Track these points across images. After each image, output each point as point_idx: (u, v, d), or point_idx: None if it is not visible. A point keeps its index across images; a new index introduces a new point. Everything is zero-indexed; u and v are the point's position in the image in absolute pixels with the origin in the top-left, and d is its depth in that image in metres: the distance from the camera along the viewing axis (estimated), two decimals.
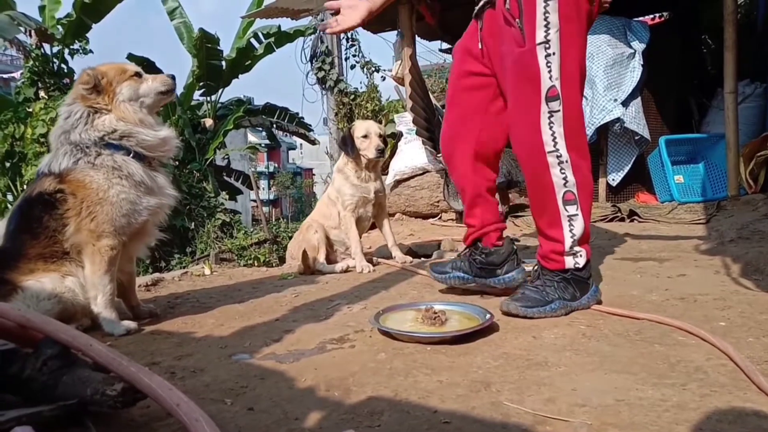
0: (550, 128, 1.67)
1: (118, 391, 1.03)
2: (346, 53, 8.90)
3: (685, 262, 2.53)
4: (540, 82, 1.65)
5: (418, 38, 5.39)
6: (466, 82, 1.98)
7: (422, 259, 3.28)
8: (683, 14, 5.76)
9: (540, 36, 1.63)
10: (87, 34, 9.14)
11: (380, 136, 2.99)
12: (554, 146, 1.68)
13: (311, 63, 8.81)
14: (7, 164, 8.35)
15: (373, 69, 8.43)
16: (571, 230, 1.74)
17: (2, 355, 1.11)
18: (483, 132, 1.98)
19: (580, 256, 1.78)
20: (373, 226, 3.62)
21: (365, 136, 2.98)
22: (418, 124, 4.46)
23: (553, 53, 1.64)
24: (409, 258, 3.08)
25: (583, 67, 1.74)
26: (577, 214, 1.73)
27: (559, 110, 1.66)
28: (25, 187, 8.06)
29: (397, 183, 4.90)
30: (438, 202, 4.70)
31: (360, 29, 8.34)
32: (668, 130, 4.82)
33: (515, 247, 2.10)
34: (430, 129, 4.42)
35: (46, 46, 9.00)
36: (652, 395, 1.15)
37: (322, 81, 8.72)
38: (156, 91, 1.94)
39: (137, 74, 1.93)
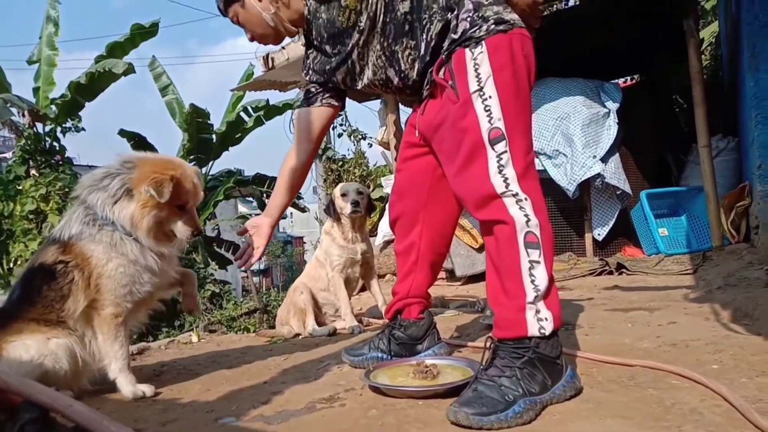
0: (500, 172, 1.46)
1: None
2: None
3: (675, 310, 2.53)
4: (479, 128, 1.49)
5: (400, 106, 5.59)
6: (411, 152, 1.90)
7: None
8: (653, 76, 6.07)
9: (473, 86, 1.51)
10: (79, 113, 9.37)
11: (359, 193, 3.03)
12: (506, 187, 1.46)
13: None
14: None
15: (360, 137, 8.66)
16: (532, 281, 1.42)
17: None
18: (432, 195, 1.86)
19: (546, 319, 1.42)
20: (363, 289, 3.60)
21: (344, 195, 3.03)
22: None
23: (490, 96, 1.49)
24: None
25: (528, 114, 1.57)
26: (539, 262, 1.43)
27: (506, 151, 1.47)
28: (11, 265, 7.96)
29: (387, 244, 4.92)
30: None
31: (346, 99, 8.65)
32: (648, 185, 4.94)
33: (435, 321, 2.01)
34: None
35: (39, 125, 9.19)
36: None
37: None
38: (172, 230, 1.89)
39: (182, 207, 1.88)
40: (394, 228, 1.99)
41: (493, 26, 1.54)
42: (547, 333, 1.41)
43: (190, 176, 1.90)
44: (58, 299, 1.77)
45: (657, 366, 1.59)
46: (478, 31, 1.54)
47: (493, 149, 1.48)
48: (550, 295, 1.45)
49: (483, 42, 1.53)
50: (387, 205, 5.29)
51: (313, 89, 1.93)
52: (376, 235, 5.09)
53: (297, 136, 1.99)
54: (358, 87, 1.85)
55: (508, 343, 1.43)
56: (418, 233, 1.90)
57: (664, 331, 2.10)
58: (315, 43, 1.84)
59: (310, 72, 1.91)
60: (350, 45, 1.74)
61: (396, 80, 1.75)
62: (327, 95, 1.92)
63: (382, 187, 5.74)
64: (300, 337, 3.00)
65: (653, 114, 5.28)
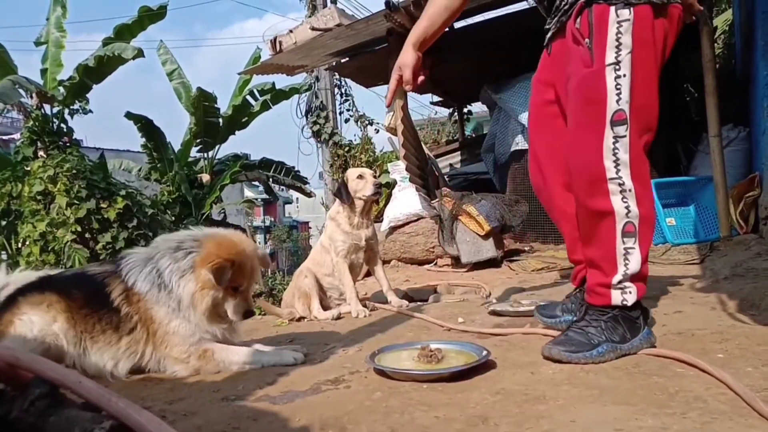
0: (614, 154, 1.52)
1: (107, 429, 1.01)
2: (340, 108, 9.15)
3: (681, 299, 2.52)
4: (606, 105, 1.51)
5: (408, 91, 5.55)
6: (546, 111, 1.87)
7: (419, 303, 3.25)
8: (664, 65, 5.98)
9: (610, 57, 1.50)
10: (87, 95, 9.37)
11: (375, 178, 3.04)
12: (617, 173, 1.53)
13: (306, 117, 9.05)
14: (3, 222, 8.34)
15: (367, 122, 8.64)
16: (625, 264, 1.57)
17: None
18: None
19: (629, 292, 1.59)
20: (368, 274, 3.61)
21: (360, 177, 3.02)
22: (411, 172, 4.54)
23: (624, 75, 1.50)
24: (405, 302, 3.06)
25: (656, 97, 1.60)
26: (634, 248, 1.56)
27: (625, 136, 1.52)
28: (20, 245, 8.03)
29: (392, 230, 4.92)
30: (433, 247, 4.70)
31: (353, 84, 8.64)
32: (657, 175, 4.89)
33: None
34: (423, 176, 4.49)
35: (47, 107, 9.20)
36: (653, 424, 1.13)
37: (317, 134, 8.91)
38: (223, 306, 1.91)
39: (236, 288, 1.90)
40: (540, 195, 1.97)
41: None
42: (629, 304, 1.60)
43: (251, 257, 1.93)
44: (113, 328, 1.86)
45: (662, 353, 1.59)
46: None
47: (612, 130, 1.52)
48: (639, 273, 1.59)
49: (632, 8, 1.49)
50: (392, 191, 5.29)
51: None
52: (381, 221, 5.09)
53: None
54: None
55: (595, 307, 1.64)
56: (563, 200, 1.85)
57: (670, 320, 2.09)
58: None
59: None
60: None
61: None
62: None
63: (389, 172, 5.72)
64: (305, 320, 3.02)
65: (663, 103, 5.20)
